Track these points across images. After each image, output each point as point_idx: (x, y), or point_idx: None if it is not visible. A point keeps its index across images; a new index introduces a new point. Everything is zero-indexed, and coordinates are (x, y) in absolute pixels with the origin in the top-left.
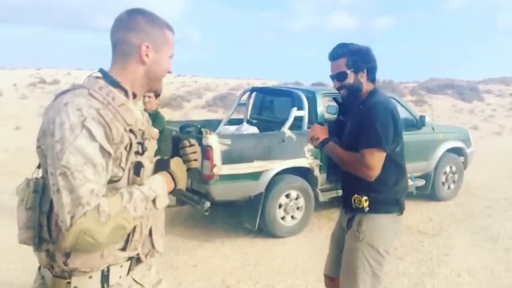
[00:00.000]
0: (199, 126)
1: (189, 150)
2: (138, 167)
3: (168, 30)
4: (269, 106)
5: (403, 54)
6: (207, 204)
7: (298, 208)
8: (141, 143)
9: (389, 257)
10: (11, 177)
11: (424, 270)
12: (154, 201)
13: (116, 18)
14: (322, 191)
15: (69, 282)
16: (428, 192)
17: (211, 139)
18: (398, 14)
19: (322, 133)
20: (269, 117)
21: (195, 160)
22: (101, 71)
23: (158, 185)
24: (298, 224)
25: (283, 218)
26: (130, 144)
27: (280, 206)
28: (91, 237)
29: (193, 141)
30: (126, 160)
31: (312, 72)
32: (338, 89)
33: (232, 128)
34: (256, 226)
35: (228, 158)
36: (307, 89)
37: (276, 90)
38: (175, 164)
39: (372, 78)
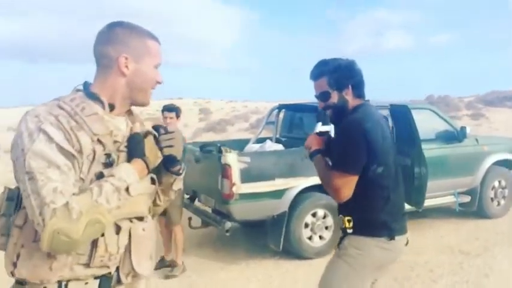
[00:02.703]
0: (219, 145)
1: (163, 137)
2: (99, 178)
3: (150, 40)
4: (298, 123)
5: (462, 69)
6: (228, 224)
7: (326, 228)
8: (108, 154)
9: (367, 283)
10: None
11: None
12: (127, 189)
13: (98, 32)
14: None
15: None
16: (475, 209)
17: (229, 157)
18: (456, 28)
19: (315, 143)
20: (298, 134)
21: (169, 147)
22: (84, 83)
23: (128, 174)
24: (328, 245)
25: (310, 238)
26: (94, 155)
27: (306, 225)
28: (65, 236)
29: (171, 129)
30: (88, 170)
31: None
32: (323, 109)
33: (256, 146)
34: (281, 247)
35: (248, 176)
36: None
37: (302, 107)
38: (149, 148)
39: (358, 94)
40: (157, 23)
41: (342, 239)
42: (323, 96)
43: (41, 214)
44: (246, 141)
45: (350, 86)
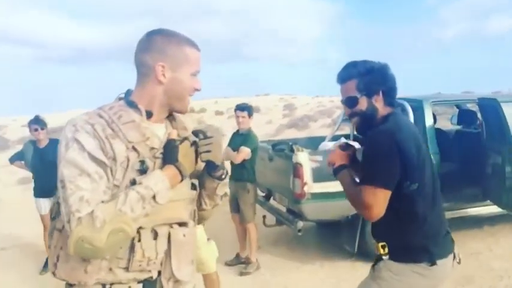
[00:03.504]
0: (291, 143)
1: (202, 142)
2: (132, 185)
3: (188, 47)
4: None
5: None
6: (300, 224)
7: None
8: (142, 161)
9: None
10: None
11: None
12: (154, 197)
13: (138, 41)
14: None
15: None
16: None
17: (301, 156)
18: None
19: (339, 158)
20: None
21: (207, 152)
22: (127, 91)
23: (157, 181)
24: None
25: None
26: (128, 162)
27: None
28: (89, 244)
29: (210, 133)
30: (123, 177)
31: (463, 80)
32: (349, 116)
33: (331, 144)
34: (356, 248)
35: (320, 175)
36: (414, 98)
37: None
38: (183, 154)
39: (389, 102)
40: (243, 19)
41: (377, 260)
42: (350, 101)
43: (69, 222)
44: (322, 139)
45: (381, 92)
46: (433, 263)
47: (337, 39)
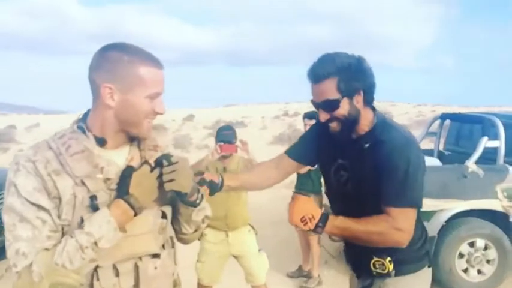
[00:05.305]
0: None
1: (165, 170)
2: (80, 223)
3: (144, 67)
4: (466, 135)
5: None
6: None
7: (488, 261)
8: (92, 197)
9: None
10: None
11: None
12: (96, 243)
13: (93, 54)
14: None
15: None
16: None
17: None
18: None
19: (313, 208)
20: (465, 149)
21: (171, 181)
22: (84, 113)
23: (101, 223)
24: (488, 281)
25: (465, 271)
26: (75, 200)
27: (461, 255)
28: None
29: (175, 158)
30: (72, 215)
31: None
32: (327, 121)
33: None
34: None
35: None
36: (506, 114)
37: (468, 117)
38: (137, 183)
39: (369, 101)
40: (346, 23)
41: (373, 286)
42: (330, 105)
43: (14, 274)
44: None
45: (362, 91)
46: (430, 264)
47: (448, 45)
